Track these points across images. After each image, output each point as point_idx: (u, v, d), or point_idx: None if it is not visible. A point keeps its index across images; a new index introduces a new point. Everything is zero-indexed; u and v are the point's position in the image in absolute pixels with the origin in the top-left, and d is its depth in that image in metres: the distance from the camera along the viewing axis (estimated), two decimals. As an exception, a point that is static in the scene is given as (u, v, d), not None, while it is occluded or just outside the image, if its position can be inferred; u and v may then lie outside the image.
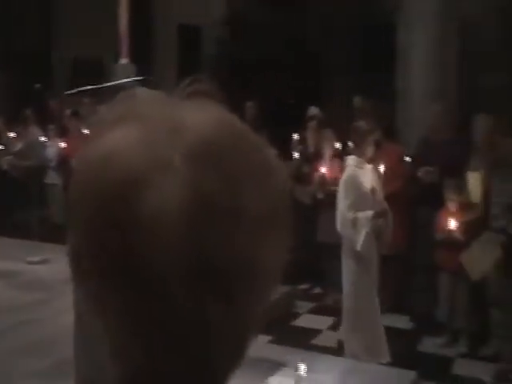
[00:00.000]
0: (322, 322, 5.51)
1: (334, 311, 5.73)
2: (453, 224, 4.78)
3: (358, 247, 4.13)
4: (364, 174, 4.24)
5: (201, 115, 0.52)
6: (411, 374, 3.77)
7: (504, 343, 4.23)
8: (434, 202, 5.05)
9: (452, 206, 4.88)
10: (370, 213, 4.15)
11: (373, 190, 4.23)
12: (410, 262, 5.40)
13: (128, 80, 5.74)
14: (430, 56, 6.59)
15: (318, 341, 5.09)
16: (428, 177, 5.28)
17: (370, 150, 4.28)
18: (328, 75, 10.30)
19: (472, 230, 4.68)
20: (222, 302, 0.50)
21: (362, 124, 4.37)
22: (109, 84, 5.68)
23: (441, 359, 4.64)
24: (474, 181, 4.76)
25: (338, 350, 4.72)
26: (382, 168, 4.52)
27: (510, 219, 4.48)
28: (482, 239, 4.52)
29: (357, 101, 6.93)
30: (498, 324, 4.37)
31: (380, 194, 4.31)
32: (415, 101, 6.57)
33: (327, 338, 5.11)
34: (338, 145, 6.61)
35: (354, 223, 4.11)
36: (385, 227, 4.24)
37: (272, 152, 0.56)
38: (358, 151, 4.29)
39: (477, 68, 6.92)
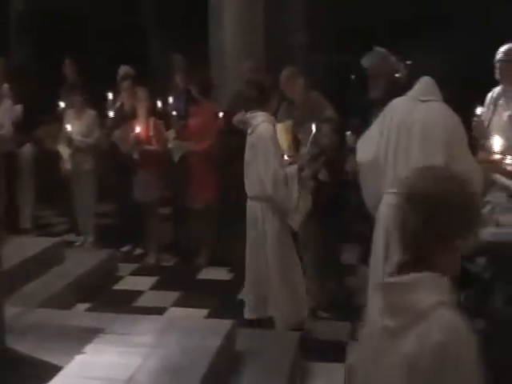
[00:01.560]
0: (145, 282, 5.45)
1: (157, 271, 5.74)
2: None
3: (292, 205, 3.98)
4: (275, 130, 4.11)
5: None
6: (228, 324, 3.86)
7: (312, 283, 4.51)
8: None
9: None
10: (294, 168, 4.04)
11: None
12: (226, 215, 5.51)
13: None
14: (240, 13, 6.66)
15: (140, 302, 5.03)
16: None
17: (274, 105, 4.14)
18: (146, 32, 10.06)
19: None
20: None
21: (266, 78, 4.21)
22: None
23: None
24: (282, 131, 4.92)
25: (161, 309, 4.75)
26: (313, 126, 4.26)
27: (316, 167, 4.71)
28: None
29: (176, 58, 6.83)
30: (306, 266, 4.63)
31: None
32: (228, 57, 6.63)
33: (149, 299, 5.08)
34: (159, 103, 6.52)
35: (286, 181, 3.96)
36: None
37: None
38: (265, 107, 4.08)
39: (284, 26, 7.16)
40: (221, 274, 5.52)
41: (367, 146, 3.57)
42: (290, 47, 6.92)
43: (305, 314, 4.16)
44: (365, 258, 3.71)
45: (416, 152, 3.30)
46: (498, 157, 3.72)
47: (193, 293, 5.09)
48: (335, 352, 3.98)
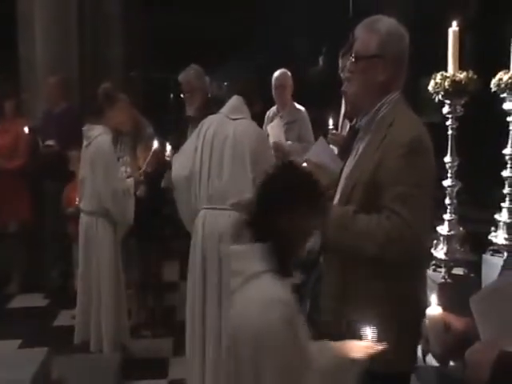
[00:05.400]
0: None
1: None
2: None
3: (131, 219, 3.95)
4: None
5: None
6: (43, 352, 3.64)
7: (132, 301, 4.44)
8: (61, 174, 4.95)
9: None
10: (130, 180, 4.01)
11: None
12: (39, 238, 5.24)
13: None
14: (51, 24, 6.37)
15: None
16: (49, 149, 5.18)
17: (119, 116, 3.96)
18: None
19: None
20: None
21: (109, 87, 3.99)
22: None
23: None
24: None
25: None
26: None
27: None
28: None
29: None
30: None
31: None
32: (38, 71, 6.30)
33: None
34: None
35: (125, 194, 3.90)
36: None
37: None
38: (104, 118, 3.89)
39: (100, 39, 6.99)
40: (36, 300, 5.21)
41: (183, 162, 3.62)
42: (106, 62, 6.77)
43: (126, 333, 4.08)
44: (185, 274, 3.73)
45: (228, 167, 3.42)
46: None
47: (3, 323, 4.72)
48: (157, 369, 3.96)
